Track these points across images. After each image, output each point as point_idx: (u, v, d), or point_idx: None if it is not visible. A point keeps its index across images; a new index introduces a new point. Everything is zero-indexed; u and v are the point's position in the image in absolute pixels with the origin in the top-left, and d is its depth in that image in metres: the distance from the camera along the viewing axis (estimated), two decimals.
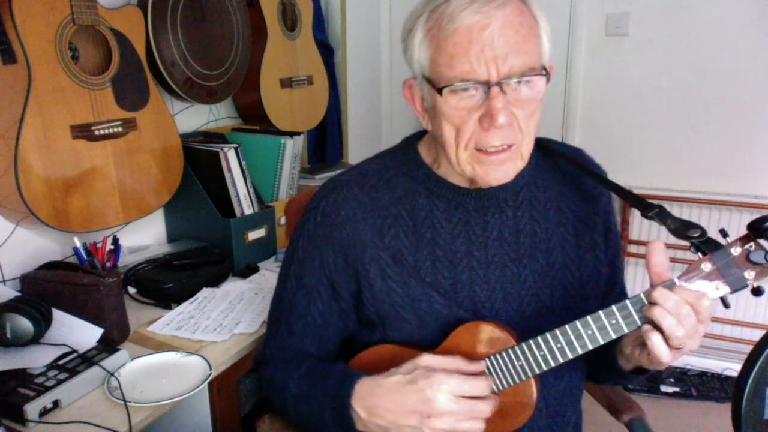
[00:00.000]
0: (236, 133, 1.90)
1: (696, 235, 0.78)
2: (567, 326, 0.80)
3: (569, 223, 0.96)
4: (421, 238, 0.92)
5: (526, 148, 0.85)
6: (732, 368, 2.46)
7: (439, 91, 0.81)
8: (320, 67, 2.22)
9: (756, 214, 2.36)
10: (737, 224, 2.41)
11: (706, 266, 0.77)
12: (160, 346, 1.22)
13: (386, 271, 0.92)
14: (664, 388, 2.43)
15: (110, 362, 1.10)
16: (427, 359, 0.83)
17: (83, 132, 1.35)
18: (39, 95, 1.26)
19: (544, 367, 0.83)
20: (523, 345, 0.83)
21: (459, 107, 0.81)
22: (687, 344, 0.76)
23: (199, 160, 1.65)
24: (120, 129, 1.43)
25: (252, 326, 1.30)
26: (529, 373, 0.84)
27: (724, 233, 0.78)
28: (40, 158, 1.27)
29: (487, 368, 0.85)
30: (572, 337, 0.80)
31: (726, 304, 0.79)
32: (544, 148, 0.99)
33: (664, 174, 2.51)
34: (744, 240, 0.76)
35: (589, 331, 0.79)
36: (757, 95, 2.31)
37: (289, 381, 0.95)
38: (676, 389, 2.43)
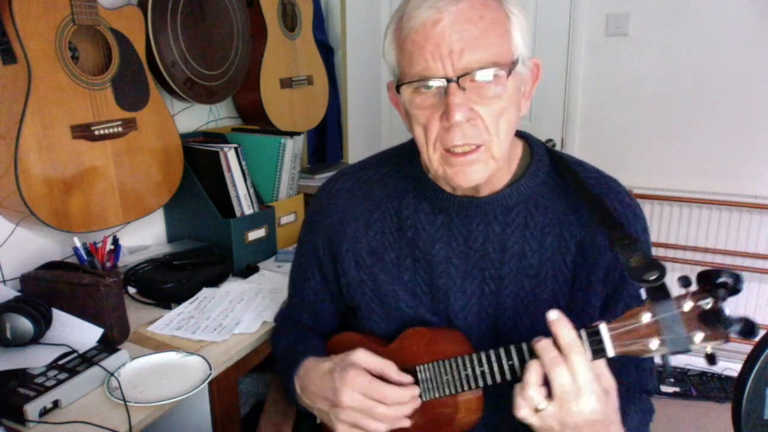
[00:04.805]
0: (236, 133, 1.90)
1: (651, 278, 0.69)
2: (492, 351, 0.78)
3: (569, 254, 0.88)
4: (403, 237, 0.93)
5: (498, 149, 0.80)
6: (732, 368, 2.46)
7: (398, 89, 0.81)
8: (320, 67, 2.21)
9: (756, 215, 2.36)
10: (737, 224, 2.41)
11: (646, 316, 0.67)
12: (160, 346, 1.22)
13: (360, 263, 0.95)
14: (664, 388, 2.43)
15: (110, 362, 1.10)
16: (357, 355, 0.86)
17: (83, 132, 1.35)
18: (39, 95, 1.26)
19: (466, 388, 0.81)
20: (452, 360, 0.82)
21: (423, 106, 0.79)
22: (550, 411, 0.70)
23: (199, 160, 1.65)
24: (120, 129, 1.43)
25: (252, 326, 1.30)
26: (453, 390, 0.82)
27: (686, 282, 0.65)
28: (40, 158, 1.27)
29: (418, 376, 0.85)
30: (495, 365, 0.78)
31: (666, 367, 0.69)
32: (563, 167, 0.91)
33: (663, 174, 2.50)
34: (699, 295, 0.65)
35: (510, 363, 0.76)
36: (756, 95, 2.31)
37: (278, 346, 1.08)
38: (676, 389, 2.42)
